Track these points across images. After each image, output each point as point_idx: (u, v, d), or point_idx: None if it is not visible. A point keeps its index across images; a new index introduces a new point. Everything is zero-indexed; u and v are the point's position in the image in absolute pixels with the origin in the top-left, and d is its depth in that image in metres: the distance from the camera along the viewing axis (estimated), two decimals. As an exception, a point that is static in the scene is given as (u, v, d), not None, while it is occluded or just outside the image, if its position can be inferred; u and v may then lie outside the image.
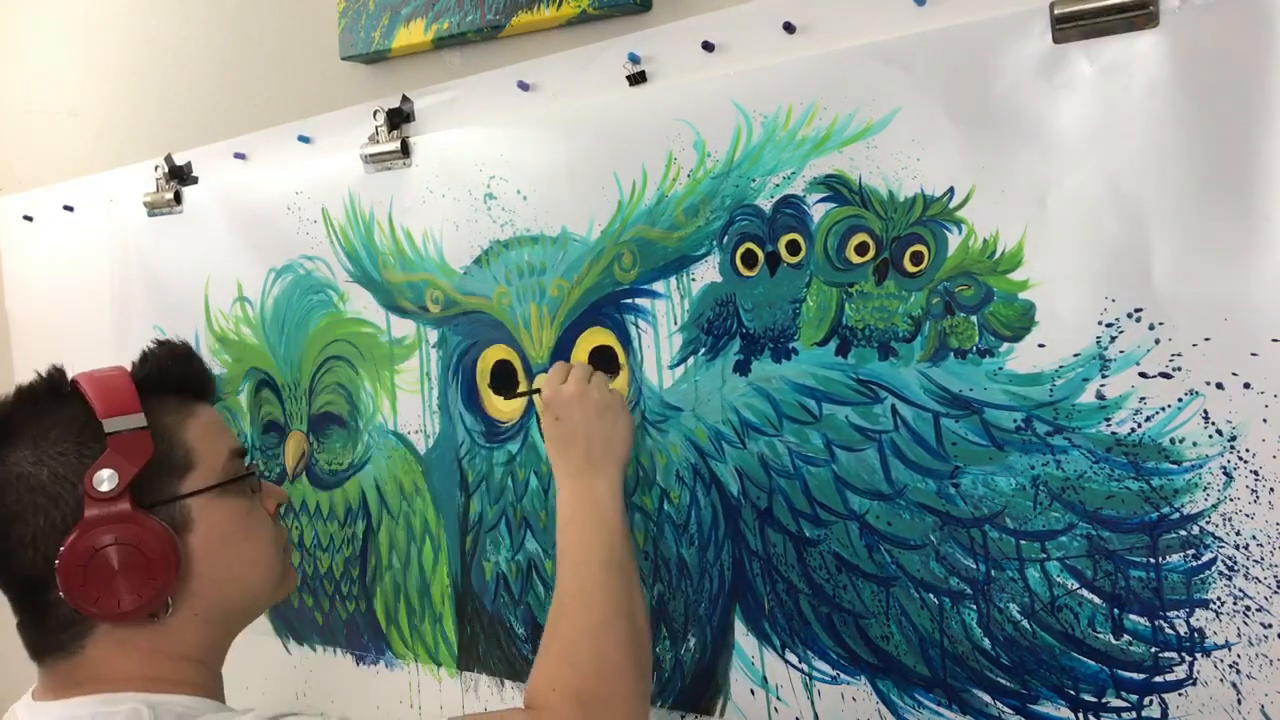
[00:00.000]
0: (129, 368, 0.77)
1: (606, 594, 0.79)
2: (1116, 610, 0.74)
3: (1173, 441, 0.71)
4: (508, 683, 1.09)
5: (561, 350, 1.00)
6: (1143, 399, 0.72)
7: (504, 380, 1.05)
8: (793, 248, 0.86)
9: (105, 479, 0.68)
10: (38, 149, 1.57)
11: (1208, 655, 0.71)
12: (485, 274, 1.05)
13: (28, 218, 1.53)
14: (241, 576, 0.76)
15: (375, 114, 1.10)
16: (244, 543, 0.76)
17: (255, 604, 0.79)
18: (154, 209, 1.34)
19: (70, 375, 0.75)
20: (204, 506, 0.73)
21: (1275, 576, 0.69)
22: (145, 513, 0.70)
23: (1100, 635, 0.75)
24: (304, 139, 1.19)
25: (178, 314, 1.33)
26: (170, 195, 1.32)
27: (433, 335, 1.10)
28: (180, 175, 1.32)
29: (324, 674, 1.25)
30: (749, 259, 0.88)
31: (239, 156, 1.26)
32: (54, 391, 0.74)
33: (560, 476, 0.87)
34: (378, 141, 1.11)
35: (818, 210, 0.84)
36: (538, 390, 0.92)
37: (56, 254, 1.50)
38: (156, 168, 1.33)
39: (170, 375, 0.77)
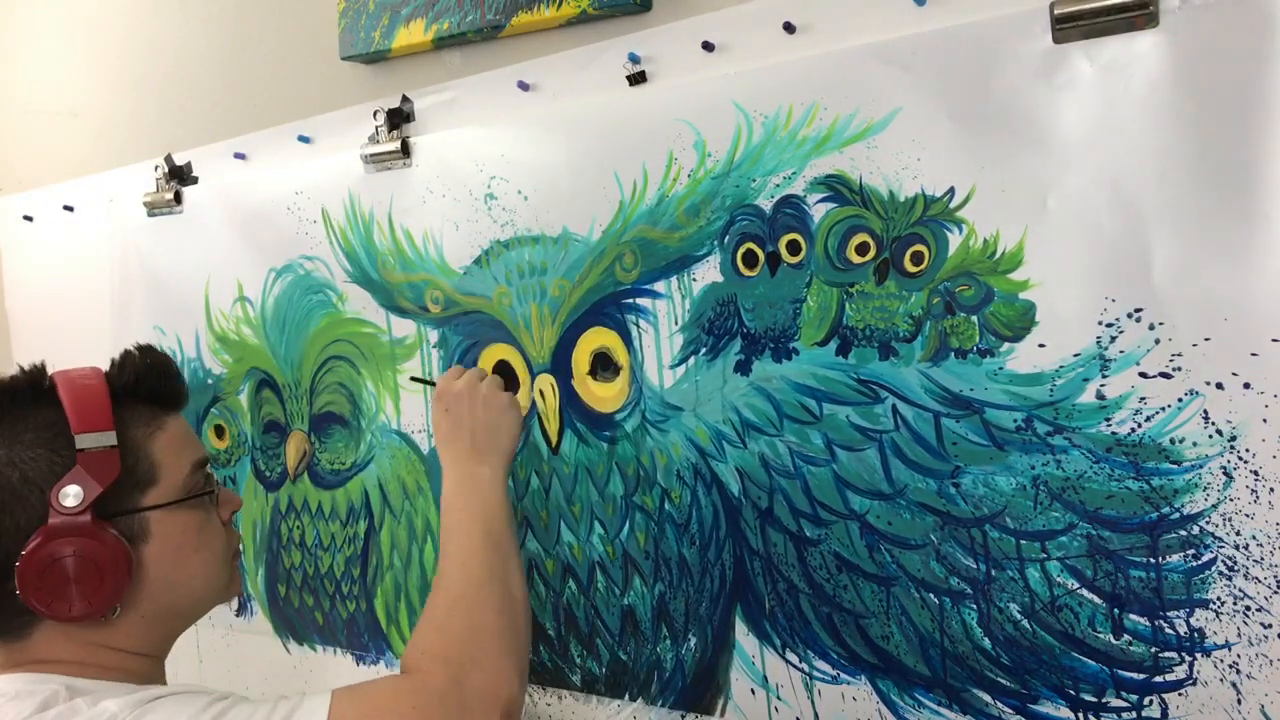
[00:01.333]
0: (107, 368, 0.79)
1: (483, 564, 0.82)
2: (1117, 610, 0.74)
3: (1173, 441, 0.71)
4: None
5: (563, 350, 1.00)
6: (1143, 399, 0.72)
7: (504, 379, 1.05)
8: (793, 248, 0.86)
9: (71, 495, 0.72)
10: (38, 149, 1.57)
11: (1208, 655, 0.72)
12: (485, 274, 1.05)
13: (28, 218, 1.53)
14: (190, 584, 0.79)
15: (375, 114, 1.10)
16: (195, 554, 0.79)
17: (200, 608, 0.83)
18: (154, 209, 1.34)
19: (50, 372, 0.78)
20: (162, 519, 0.77)
21: (1275, 576, 0.69)
22: (104, 525, 0.73)
23: (1100, 635, 0.75)
24: (304, 139, 1.19)
25: (178, 314, 1.34)
26: (170, 195, 1.32)
27: (433, 335, 1.10)
28: (180, 175, 1.32)
29: (324, 674, 1.25)
30: (750, 259, 0.88)
31: (239, 156, 1.26)
32: (33, 390, 0.76)
33: (446, 463, 0.91)
34: (378, 141, 1.11)
35: (818, 210, 0.84)
36: (433, 382, 0.96)
37: (56, 254, 1.50)
38: (156, 168, 1.33)
39: (144, 385, 0.79)
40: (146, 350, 0.81)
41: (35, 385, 0.77)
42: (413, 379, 1.09)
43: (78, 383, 0.76)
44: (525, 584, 0.85)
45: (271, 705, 0.70)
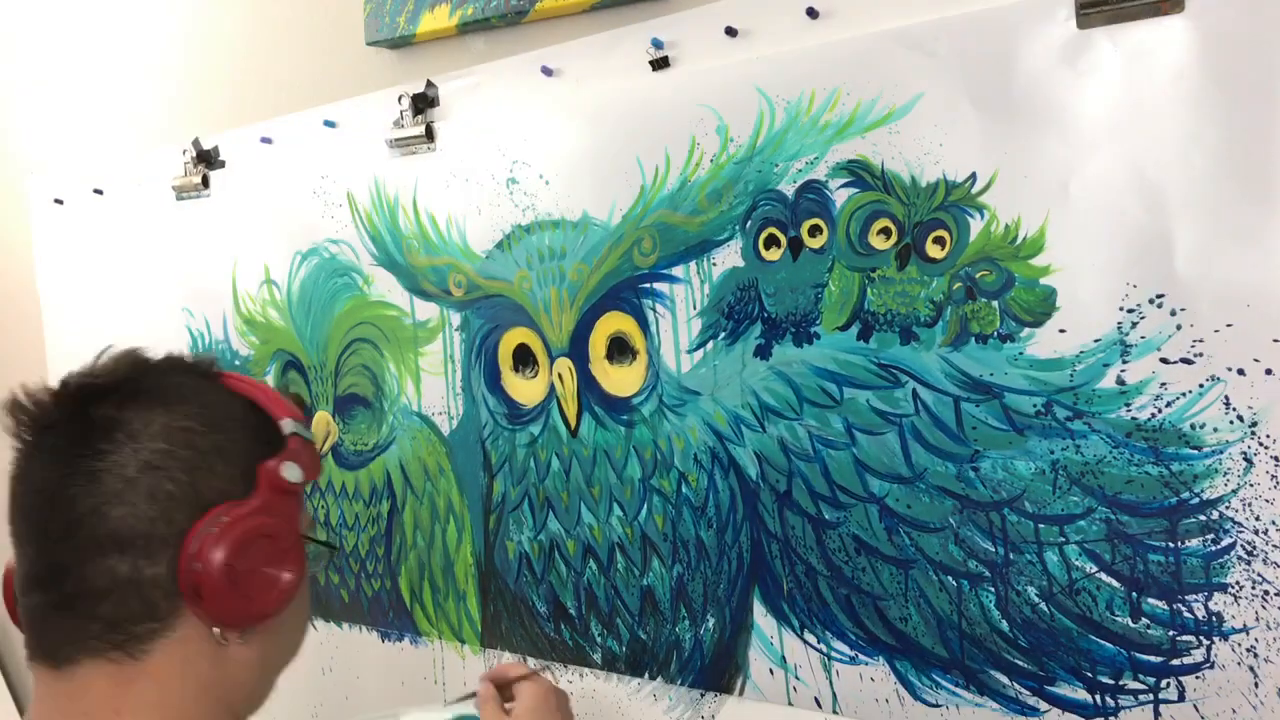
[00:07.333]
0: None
1: None
2: (1135, 594, 0.75)
3: (1193, 427, 0.72)
4: (530, 660, 1.10)
5: (580, 334, 1.01)
6: (1163, 384, 0.72)
7: (523, 363, 1.07)
8: (815, 232, 0.87)
9: (291, 470, 0.65)
10: (68, 133, 1.59)
11: (1225, 639, 0.72)
12: (507, 258, 1.06)
13: (59, 201, 1.56)
14: (299, 627, 0.73)
15: (400, 99, 1.11)
16: (305, 598, 0.72)
17: (285, 663, 0.73)
18: (182, 193, 1.36)
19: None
20: (302, 551, 0.69)
21: (1294, 561, 0.69)
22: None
23: (1118, 618, 0.76)
24: (330, 124, 1.20)
25: (206, 297, 1.36)
26: (198, 179, 1.33)
27: (456, 318, 1.11)
28: (208, 159, 1.34)
29: (349, 650, 1.27)
30: (771, 244, 0.89)
31: (265, 141, 1.28)
32: (206, 376, 0.69)
33: None
34: (402, 126, 1.12)
35: (840, 195, 0.85)
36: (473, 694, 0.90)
37: (87, 237, 1.53)
38: (184, 152, 1.35)
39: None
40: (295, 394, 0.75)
41: (206, 372, 0.69)
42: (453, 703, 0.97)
43: (253, 381, 0.70)
44: None
45: None
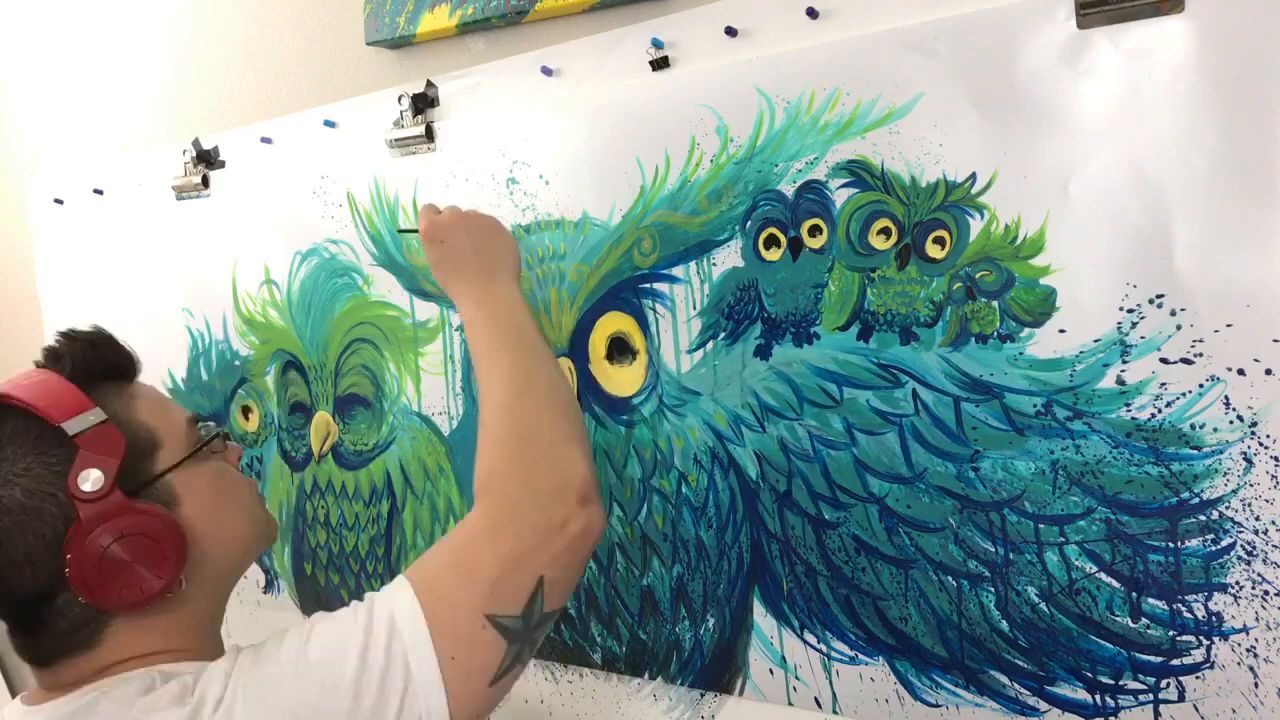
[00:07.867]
0: (45, 366, 0.75)
1: (519, 373, 0.80)
2: (1134, 594, 0.75)
3: (1193, 427, 0.72)
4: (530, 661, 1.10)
5: (580, 334, 1.01)
6: (1163, 384, 0.73)
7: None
8: (815, 232, 0.87)
9: (91, 479, 0.68)
10: (67, 133, 1.59)
11: (1225, 639, 0.72)
12: (508, 258, 1.06)
13: (58, 201, 1.56)
14: (236, 534, 0.78)
15: (400, 99, 1.11)
16: (230, 503, 0.77)
17: (249, 557, 0.81)
18: (182, 193, 1.36)
19: None
20: (183, 479, 0.74)
21: (1294, 561, 0.69)
22: (136, 500, 0.70)
23: (1118, 618, 0.76)
24: (329, 124, 1.20)
25: (206, 297, 1.36)
26: (198, 179, 1.33)
27: (455, 318, 1.11)
28: (208, 159, 1.34)
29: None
30: (771, 244, 0.89)
31: (265, 141, 1.28)
32: None
33: (457, 295, 0.89)
34: (402, 126, 1.12)
35: (840, 195, 0.85)
36: (415, 230, 0.94)
37: (87, 237, 1.53)
38: (184, 152, 1.35)
39: (97, 363, 0.75)
40: (76, 333, 0.76)
41: None
42: (401, 230, 1.09)
43: (28, 383, 0.71)
44: (564, 377, 0.83)
45: (352, 621, 0.67)
